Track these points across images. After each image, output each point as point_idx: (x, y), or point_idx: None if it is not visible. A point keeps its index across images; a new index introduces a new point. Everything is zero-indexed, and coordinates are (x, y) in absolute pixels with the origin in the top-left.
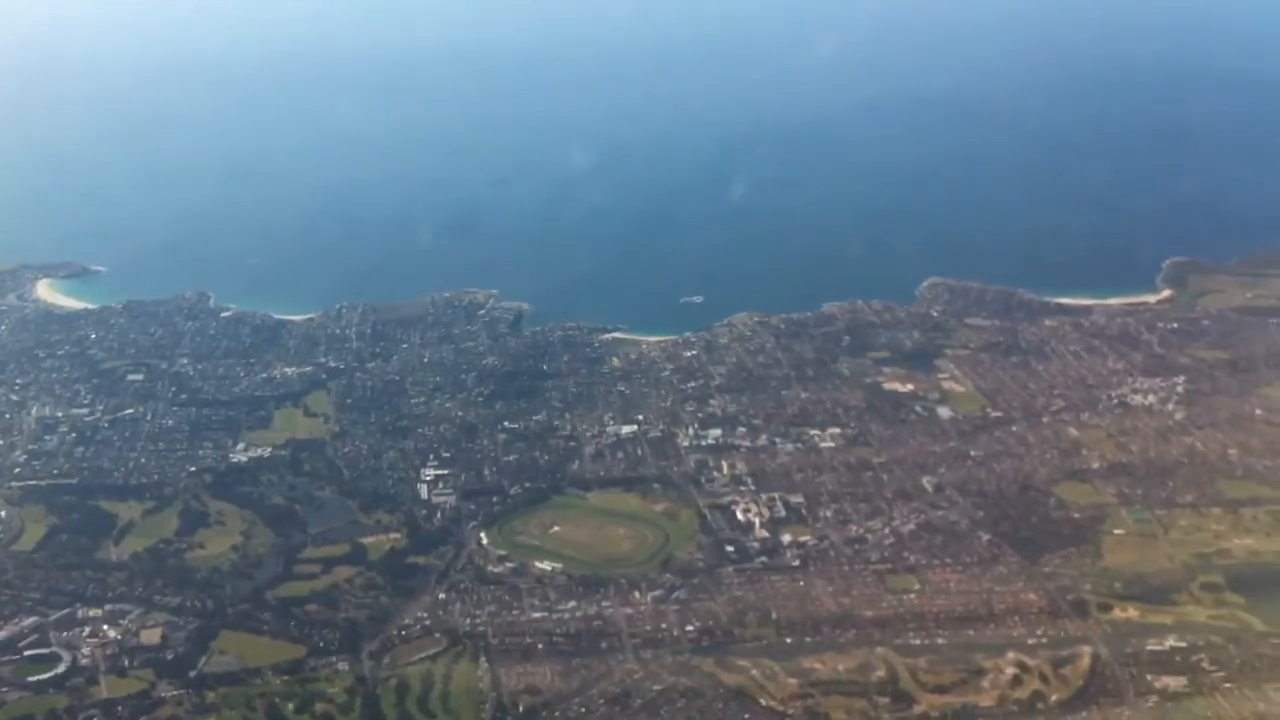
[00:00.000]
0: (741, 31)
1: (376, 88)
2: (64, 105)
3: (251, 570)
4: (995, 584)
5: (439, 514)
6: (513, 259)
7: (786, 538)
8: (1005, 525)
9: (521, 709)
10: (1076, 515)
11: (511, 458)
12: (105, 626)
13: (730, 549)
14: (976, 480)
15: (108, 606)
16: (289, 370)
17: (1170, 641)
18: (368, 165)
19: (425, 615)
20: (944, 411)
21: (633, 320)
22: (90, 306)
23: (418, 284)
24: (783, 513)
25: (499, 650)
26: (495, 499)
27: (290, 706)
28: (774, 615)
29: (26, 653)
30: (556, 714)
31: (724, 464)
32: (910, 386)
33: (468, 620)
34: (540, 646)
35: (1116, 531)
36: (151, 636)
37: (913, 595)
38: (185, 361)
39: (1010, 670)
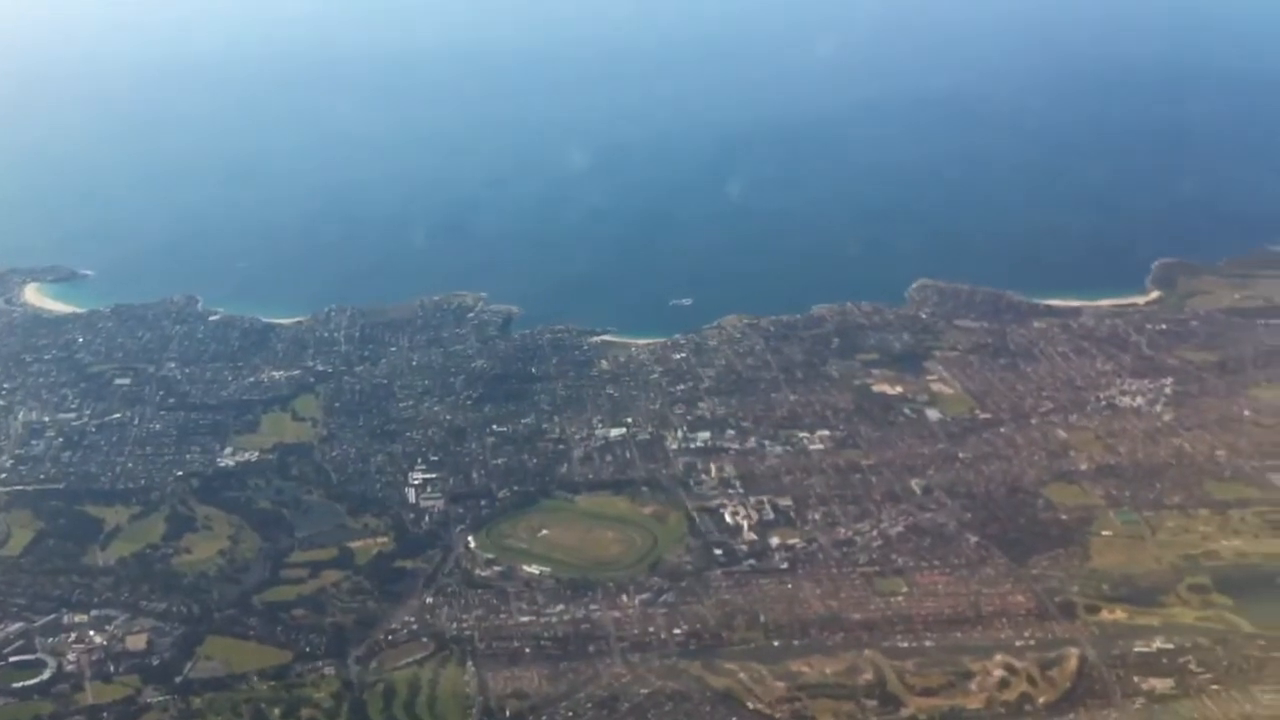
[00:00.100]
0: (740, 31)
1: (374, 88)
2: (56, 107)
3: (238, 575)
4: (983, 586)
5: (427, 518)
6: (504, 261)
7: (775, 540)
8: (993, 527)
9: (508, 713)
10: (1064, 517)
11: (500, 461)
12: (91, 632)
13: (718, 552)
14: (965, 482)
15: (94, 612)
16: (277, 374)
17: (1157, 643)
18: (362, 166)
19: (412, 619)
20: (932, 413)
21: (622, 323)
22: (78, 310)
23: (407, 287)
24: (771, 515)
25: (486, 654)
26: (483, 502)
27: (276, 712)
28: (762, 618)
29: (11, 659)
30: (544, 718)
31: (713, 467)
32: (899, 389)
33: (455, 624)
34: (527, 650)
35: (1104, 533)
36: (137, 642)
37: (901, 598)
38: (173, 365)
39: (998, 672)
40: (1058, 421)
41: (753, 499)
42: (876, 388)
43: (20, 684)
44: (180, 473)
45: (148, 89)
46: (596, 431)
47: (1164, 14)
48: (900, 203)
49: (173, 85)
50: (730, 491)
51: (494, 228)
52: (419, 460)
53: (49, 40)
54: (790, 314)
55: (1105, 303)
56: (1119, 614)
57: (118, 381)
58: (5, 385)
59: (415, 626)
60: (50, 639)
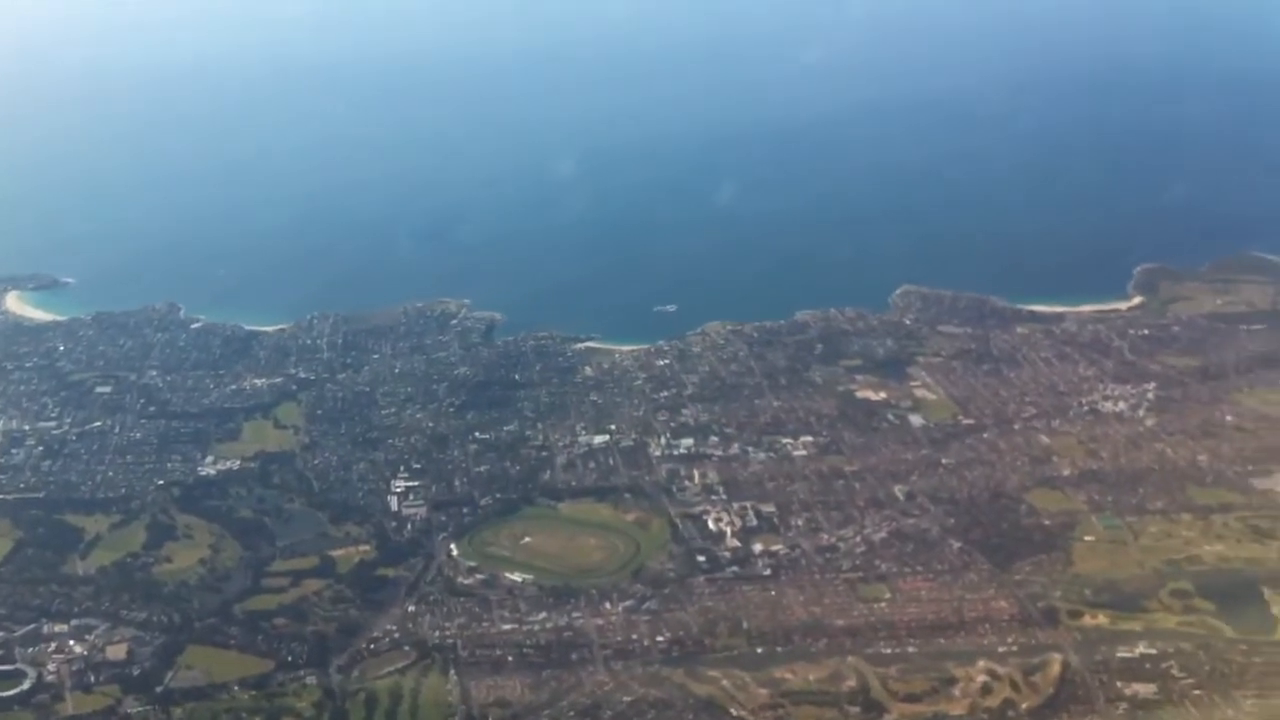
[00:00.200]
0: (732, 35)
1: (361, 91)
2: (38, 113)
3: (219, 584)
4: (966, 592)
5: (409, 526)
6: (488, 267)
7: (758, 547)
8: (976, 533)
9: None
10: (1047, 522)
11: (483, 468)
12: (71, 642)
13: (701, 559)
14: (948, 488)
15: (74, 622)
16: (259, 382)
17: (1140, 649)
18: (347, 170)
19: (394, 628)
20: (916, 419)
21: (606, 329)
22: (59, 318)
23: (391, 293)
24: (754, 522)
25: (468, 663)
26: (466, 510)
27: None
28: (745, 625)
29: None
30: None
31: (696, 473)
32: (883, 394)
33: (437, 632)
34: (510, 658)
35: (1087, 538)
36: (117, 652)
37: (884, 604)
38: (154, 373)
39: (981, 678)
40: (1040, 427)
41: (736, 505)
42: (860, 393)
43: (0, 694)
44: (161, 481)
45: (132, 94)
46: (580, 438)
47: (1154, 16)
48: (885, 208)
49: (157, 90)
50: (713, 498)
51: (479, 233)
52: (401, 468)
53: (32, 45)
54: (774, 320)
55: (1088, 308)
56: (1101, 619)
57: (98, 390)
58: None
59: (397, 635)
60: (30, 649)
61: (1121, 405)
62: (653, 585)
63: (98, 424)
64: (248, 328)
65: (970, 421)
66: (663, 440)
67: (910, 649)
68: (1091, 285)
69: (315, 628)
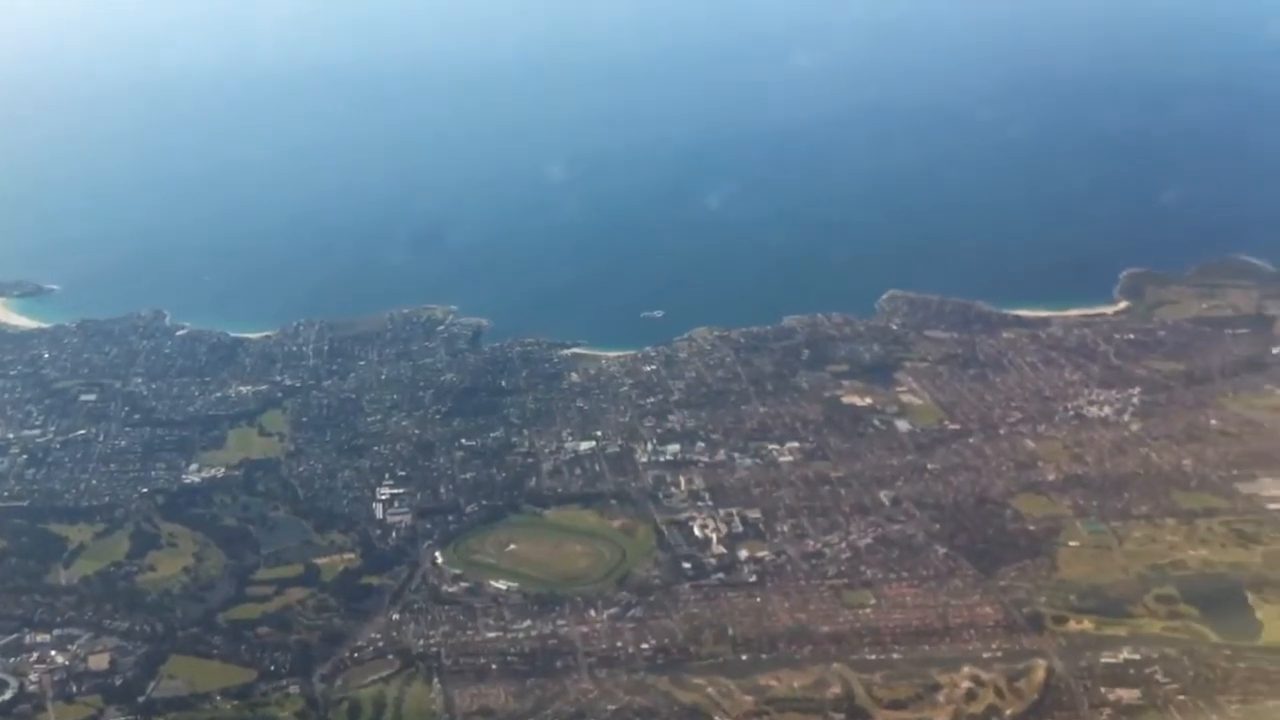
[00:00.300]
0: (727, 38)
1: (346, 99)
2: (22, 119)
3: (203, 593)
4: (951, 598)
5: (394, 533)
6: (474, 273)
7: (744, 553)
8: (962, 538)
9: None
10: (1032, 528)
11: (468, 475)
12: (53, 652)
13: (687, 565)
14: (933, 493)
15: (56, 631)
16: (244, 389)
17: (1125, 654)
18: (333, 178)
19: (379, 636)
20: (902, 425)
21: (593, 335)
22: (44, 326)
23: (377, 300)
24: (740, 528)
25: (452, 671)
26: (451, 517)
27: None
28: (730, 632)
29: None
30: None
31: (682, 479)
32: (869, 400)
33: (421, 641)
34: (494, 667)
35: (1072, 543)
36: (100, 661)
37: (869, 610)
38: (139, 381)
39: (965, 685)
40: (1026, 432)
41: (722, 511)
42: (846, 399)
43: None
44: (145, 490)
45: (116, 101)
46: (566, 445)
47: (1143, 23)
48: (872, 212)
49: (142, 97)
50: (699, 504)
51: (465, 239)
52: (386, 475)
53: (24, 49)
54: (761, 325)
55: (1073, 313)
56: (1086, 625)
57: (83, 397)
58: None
59: (381, 643)
60: (11, 659)
61: (1107, 410)
62: (638, 592)
63: (82, 432)
64: (233, 335)
65: (956, 427)
66: (649, 446)
67: (895, 655)
68: (1077, 290)
69: (299, 636)
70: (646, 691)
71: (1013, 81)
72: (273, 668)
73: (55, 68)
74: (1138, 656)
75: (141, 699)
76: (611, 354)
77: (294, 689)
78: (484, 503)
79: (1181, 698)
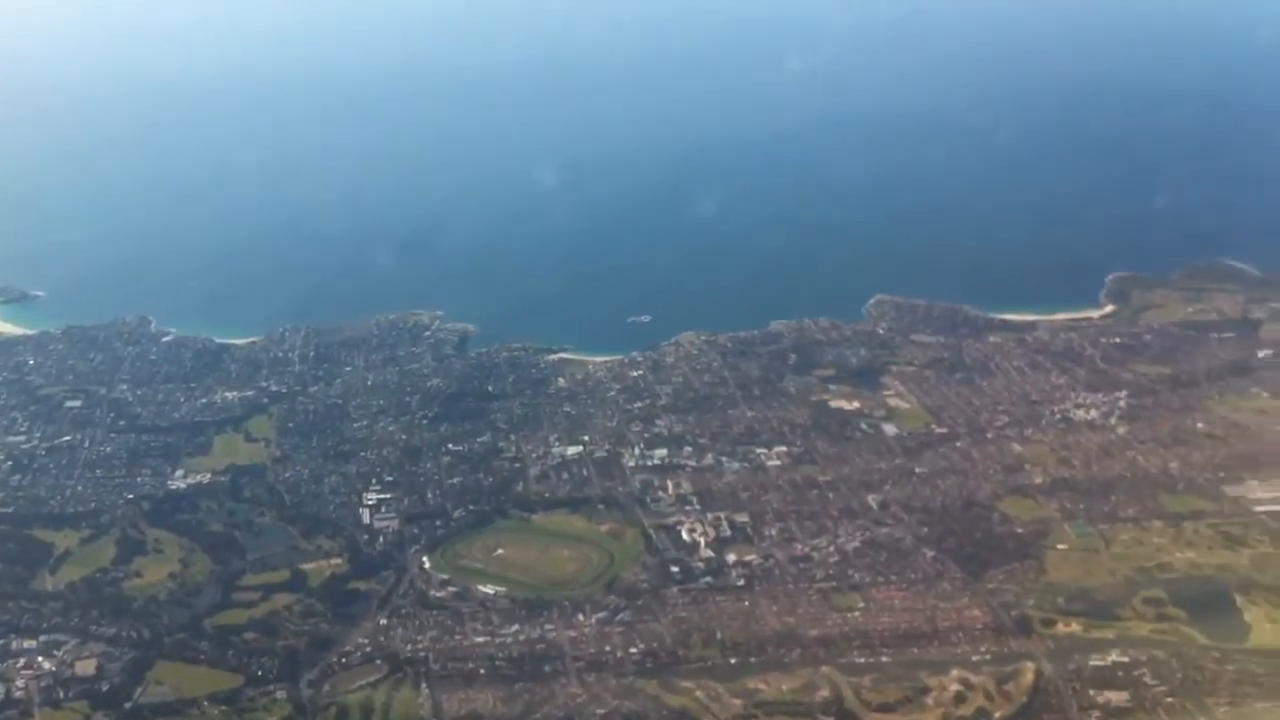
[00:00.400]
0: (709, 48)
1: (334, 105)
2: (6, 124)
3: (189, 599)
4: (939, 601)
5: (381, 538)
6: (461, 279)
7: (731, 557)
8: (949, 541)
9: None
10: (1020, 530)
11: (455, 480)
12: (40, 658)
13: (675, 569)
14: (921, 497)
15: (42, 637)
16: (230, 395)
17: (1113, 657)
18: (319, 184)
19: (366, 641)
20: (889, 428)
21: (580, 340)
22: (28, 332)
23: (363, 305)
24: (728, 532)
25: (440, 676)
26: (438, 522)
27: None
28: (718, 636)
29: None
30: None
31: (669, 484)
32: (856, 404)
33: (409, 646)
34: (482, 671)
35: (1059, 546)
36: (87, 667)
37: (857, 613)
38: (125, 387)
39: (954, 688)
40: (1013, 435)
41: (709, 516)
42: (834, 403)
43: None
44: (131, 496)
45: (102, 106)
46: (553, 450)
47: (1132, 29)
48: (860, 217)
49: (128, 102)
50: (687, 508)
51: (452, 245)
52: (373, 480)
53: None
54: (748, 330)
55: (1060, 317)
56: (1074, 627)
57: (68, 404)
58: None
59: (369, 649)
60: None
61: (1093, 413)
62: (626, 596)
63: (67, 438)
64: (219, 341)
65: (943, 430)
66: (636, 451)
67: (884, 658)
68: (1064, 294)
69: (286, 642)
70: (635, 695)
71: (1004, 86)
72: (260, 673)
73: (46, 71)
74: (1126, 659)
75: (128, 705)
76: (599, 359)
77: (281, 694)
78: (471, 508)
79: (1170, 700)
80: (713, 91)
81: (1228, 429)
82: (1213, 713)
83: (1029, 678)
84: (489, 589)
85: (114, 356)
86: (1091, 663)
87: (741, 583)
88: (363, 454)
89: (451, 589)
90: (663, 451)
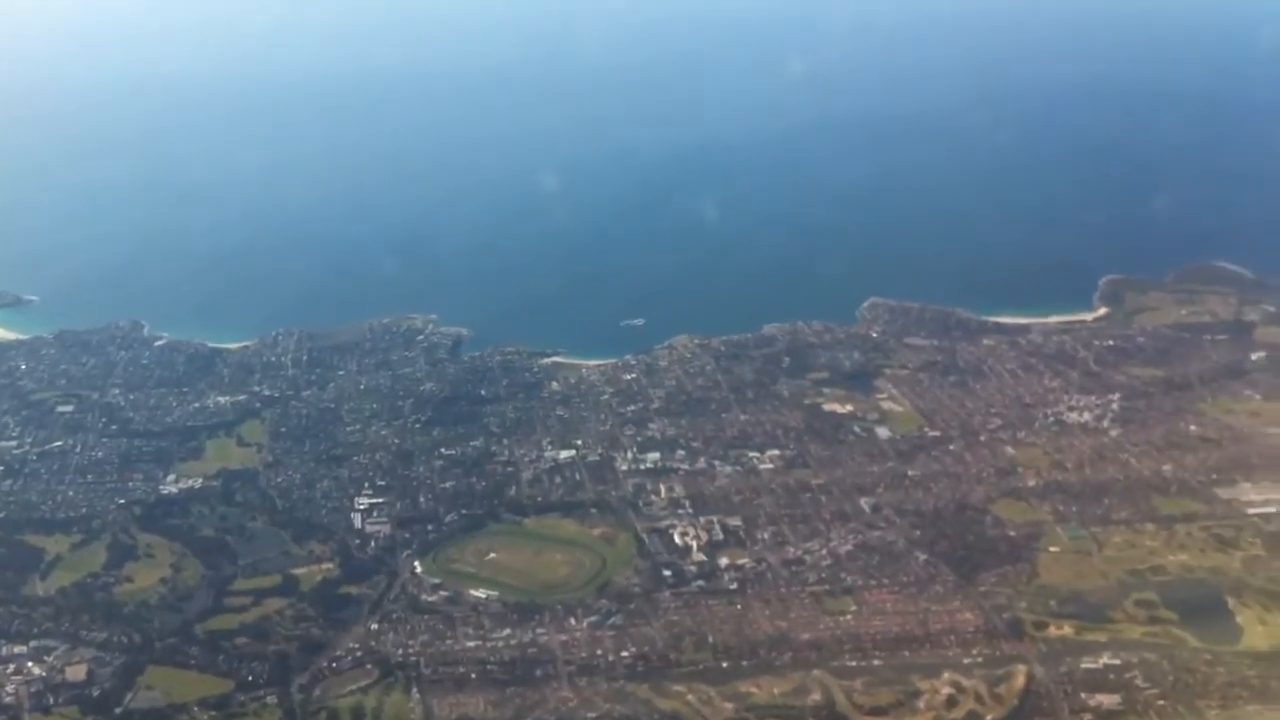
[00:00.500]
0: (705, 51)
1: (328, 109)
2: (3, 127)
3: (180, 603)
4: (932, 604)
5: (373, 543)
6: (454, 283)
7: (724, 561)
8: (942, 545)
9: None
10: (1012, 533)
11: (448, 484)
12: (30, 663)
13: (667, 573)
14: (914, 500)
15: (33, 643)
16: (222, 399)
17: (1105, 659)
18: (313, 188)
19: (357, 646)
20: (882, 432)
21: (573, 344)
22: (21, 337)
23: (356, 310)
24: (720, 536)
25: (431, 680)
26: (430, 527)
27: None
28: (710, 639)
29: None
30: None
31: (662, 487)
32: (849, 407)
33: (400, 650)
34: (473, 676)
35: (1052, 549)
36: (77, 673)
37: (849, 616)
38: (117, 392)
39: (946, 691)
40: (1006, 438)
41: (702, 519)
42: (827, 406)
43: None
44: (122, 500)
45: (99, 108)
46: (546, 453)
47: (1135, 30)
48: (853, 221)
49: (121, 106)
50: (680, 512)
51: (445, 249)
52: (366, 485)
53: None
54: (741, 333)
55: (1053, 319)
56: (1066, 630)
57: (60, 409)
58: None
59: (360, 653)
60: None
61: (1086, 416)
62: (618, 600)
63: (59, 443)
64: (212, 345)
65: (936, 433)
66: (629, 455)
67: (875, 662)
68: (1057, 297)
69: (277, 647)
70: (627, 699)
71: (1002, 87)
72: (251, 678)
73: (43, 74)
74: (1118, 662)
75: (119, 710)
76: (592, 362)
77: (272, 699)
78: (463, 512)
79: (1161, 703)
80: (711, 93)
81: (1220, 431)
82: (1204, 715)
83: (1020, 681)
84: (481, 593)
85: (106, 361)
86: (1083, 665)
87: (734, 586)
88: (355, 458)
89: (443, 593)
90: (655, 455)
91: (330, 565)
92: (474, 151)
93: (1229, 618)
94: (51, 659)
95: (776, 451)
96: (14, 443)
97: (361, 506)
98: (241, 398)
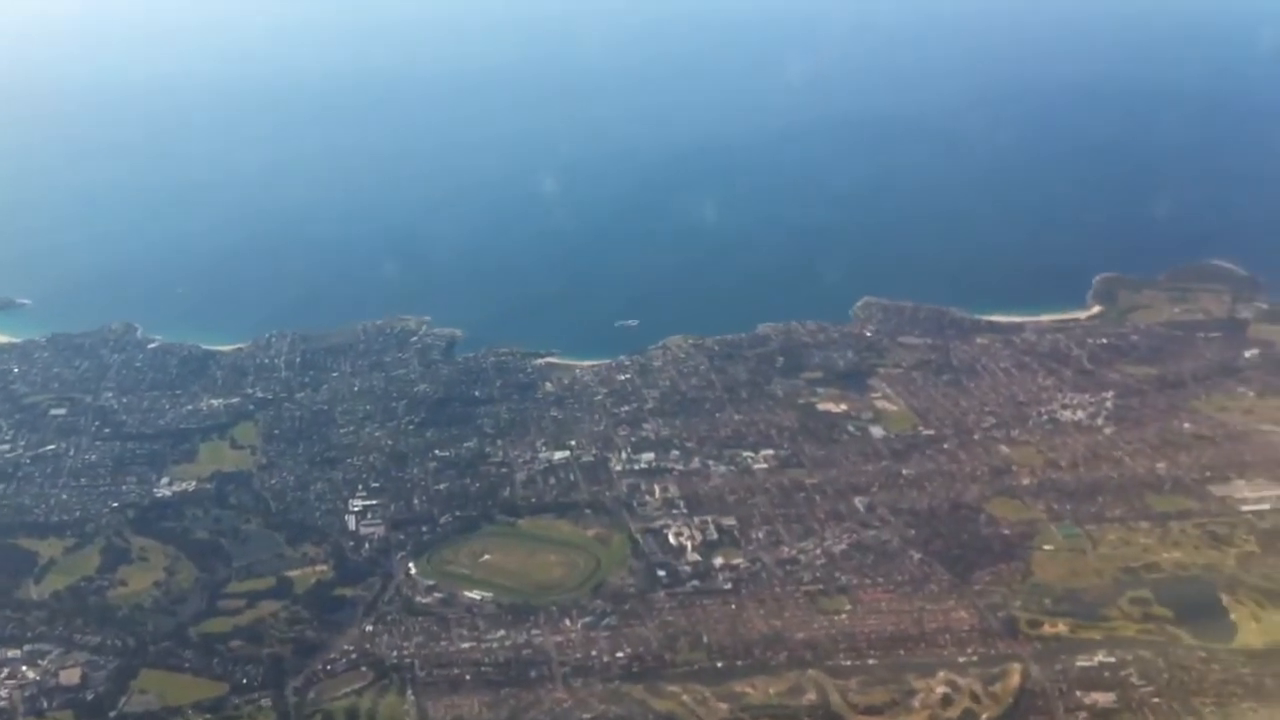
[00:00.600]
0: (703, 52)
1: (322, 111)
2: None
3: (174, 606)
4: (926, 603)
5: (367, 545)
6: (448, 284)
7: (719, 561)
8: (936, 543)
9: None
10: (1007, 532)
11: (442, 486)
12: (24, 667)
13: (662, 573)
14: (908, 499)
15: (27, 647)
16: (216, 402)
17: (1099, 657)
18: (307, 190)
19: (352, 648)
20: (876, 431)
21: (567, 344)
22: (14, 340)
23: (350, 311)
24: (715, 536)
25: (426, 682)
26: (425, 528)
27: None
28: (705, 639)
29: None
30: None
31: (656, 488)
32: (843, 406)
33: (395, 652)
34: (468, 677)
35: (1046, 547)
36: (71, 676)
37: (844, 616)
38: (110, 395)
39: (941, 690)
40: (1000, 437)
41: (696, 519)
42: (821, 406)
43: None
44: (116, 504)
45: (97, 110)
46: (540, 454)
47: (1136, 30)
48: (849, 221)
49: (120, 107)
50: (674, 512)
51: (441, 250)
52: (359, 487)
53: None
54: (735, 333)
55: (1047, 318)
56: (1061, 628)
57: (53, 412)
58: None
59: (354, 655)
60: None
61: (1080, 414)
62: (613, 601)
63: (52, 447)
64: (205, 347)
65: (930, 432)
66: (623, 455)
67: (870, 661)
68: (1050, 295)
69: (271, 649)
70: (621, 700)
71: (1000, 88)
72: (245, 681)
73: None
74: (1113, 660)
75: (113, 714)
76: (586, 363)
77: (266, 702)
78: (458, 513)
79: (1156, 700)
80: (710, 93)
81: (1214, 429)
82: (1199, 713)
83: (1016, 679)
84: (475, 594)
85: (100, 364)
86: (1078, 663)
87: (728, 586)
88: (349, 460)
89: (437, 595)
90: (650, 455)
91: (324, 567)
92: (472, 152)
93: (1223, 615)
94: (45, 663)
95: (771, 451)
96: (7, 446)
97: (355, 508)
98: (235, 400)
